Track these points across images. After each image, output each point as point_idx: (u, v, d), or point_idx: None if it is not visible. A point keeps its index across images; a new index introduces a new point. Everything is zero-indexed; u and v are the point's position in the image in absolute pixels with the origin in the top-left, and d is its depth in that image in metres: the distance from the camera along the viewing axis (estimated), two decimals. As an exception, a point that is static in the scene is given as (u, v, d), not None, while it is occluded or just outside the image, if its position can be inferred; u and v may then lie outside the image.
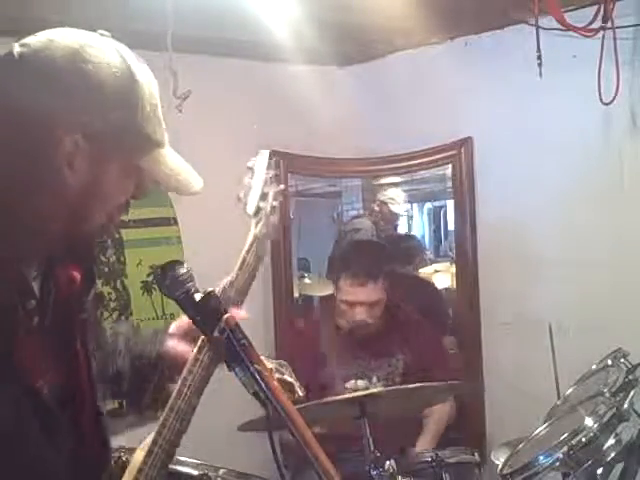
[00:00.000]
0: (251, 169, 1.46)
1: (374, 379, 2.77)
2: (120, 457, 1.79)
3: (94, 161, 1.14)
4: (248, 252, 1.40)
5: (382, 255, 2.93)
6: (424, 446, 2.77)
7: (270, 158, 1.46)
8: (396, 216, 4.68)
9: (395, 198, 4.57)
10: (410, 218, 4.99)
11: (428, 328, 3.12)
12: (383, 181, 4.54)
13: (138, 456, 1.31)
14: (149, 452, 1.30)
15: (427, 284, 4.18)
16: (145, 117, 1.16)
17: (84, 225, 1.18)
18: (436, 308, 3.81)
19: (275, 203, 1.45)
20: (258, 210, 1.42)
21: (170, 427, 1.30)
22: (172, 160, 1.22)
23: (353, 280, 2.75)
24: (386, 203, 4.60)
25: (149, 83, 1.19)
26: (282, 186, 1.48)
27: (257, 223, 1.42)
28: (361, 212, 4.71)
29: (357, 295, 2.76)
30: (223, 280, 1.39)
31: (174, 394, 1.32)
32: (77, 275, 1.27)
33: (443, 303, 4.07)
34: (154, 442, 1.30)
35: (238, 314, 1.31)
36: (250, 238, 1.41)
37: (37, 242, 1.16)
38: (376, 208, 4.62)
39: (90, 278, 1.31)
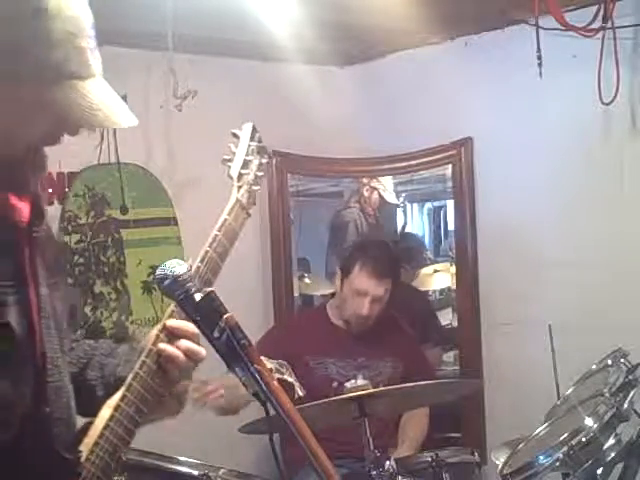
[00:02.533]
0: (235, 135, 1.49)
1: (360, 376, 2.77)
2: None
3: None
4: (229, 214, 1.42)
5: (394, 258, 3.02)
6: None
7: (255, 131, 1.50)
8: (384, 202, 4.64)
9: (386, 185, 4.55)
10: (404, 211, 4.95)
11: (417, 345, 3.19)
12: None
13: (105, 413, 1.28)
14: (116, 408, 1.27)
15: (416, 291, 4.19)
16: (53, 45, 1.09)
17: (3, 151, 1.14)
18: (423, 316, 3.83)
19: (260, 174, 1.49)
20: (240, 176, 1.46)
21: (140, 380, 1.28)
22: (94, 93, 1.14)
23: (370, 271, 2.81)
24: (376, 189, 4.58)
25: (69, 13, 1.11)
26: (266, 159, 1.51)
27: (239, 188, 1.45)
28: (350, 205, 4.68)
29: (369, 286, 2.81)
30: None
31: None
32: (24, 205, 1.22)
33: (431, 312, 4.07)
34: (121, 399, 1.27)
35: None
36: (232, 201, 1.44)
37: None
38: (365, 193, 4.60)
39: (38, 212, 1.25)
